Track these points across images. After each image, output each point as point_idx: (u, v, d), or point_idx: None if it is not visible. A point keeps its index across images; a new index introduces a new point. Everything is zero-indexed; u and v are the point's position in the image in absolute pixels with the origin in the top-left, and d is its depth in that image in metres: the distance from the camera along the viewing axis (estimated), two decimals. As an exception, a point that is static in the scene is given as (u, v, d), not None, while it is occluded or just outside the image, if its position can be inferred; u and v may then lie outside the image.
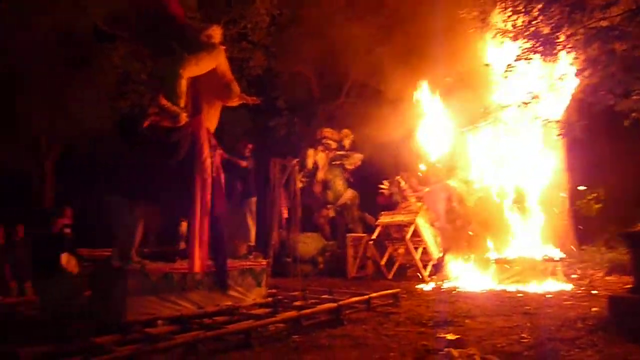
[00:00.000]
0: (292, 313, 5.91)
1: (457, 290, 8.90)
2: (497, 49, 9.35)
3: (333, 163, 14.53)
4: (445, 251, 11.06)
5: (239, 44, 14.73)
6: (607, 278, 9.30)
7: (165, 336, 4.86)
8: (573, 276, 9.54)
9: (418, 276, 10.65)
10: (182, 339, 4.71)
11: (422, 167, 12.46)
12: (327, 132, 14.59)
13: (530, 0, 7.08)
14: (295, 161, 8.02)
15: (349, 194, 14.46)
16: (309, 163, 14.09)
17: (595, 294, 7.69)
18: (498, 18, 8.35)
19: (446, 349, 4.47)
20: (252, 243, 7.28)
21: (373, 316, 6.43)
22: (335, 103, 17.08)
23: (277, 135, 17.27)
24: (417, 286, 9.58)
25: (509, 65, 7.45)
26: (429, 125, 12.41)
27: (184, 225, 9.00)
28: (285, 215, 7.82)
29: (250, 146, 7.77)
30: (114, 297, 5.58)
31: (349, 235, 12.65)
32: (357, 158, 14.52)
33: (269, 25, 15.31)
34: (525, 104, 8.01)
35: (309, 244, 12.74)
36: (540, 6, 6.85)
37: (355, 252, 12.08)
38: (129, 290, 5.48)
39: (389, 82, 13.90)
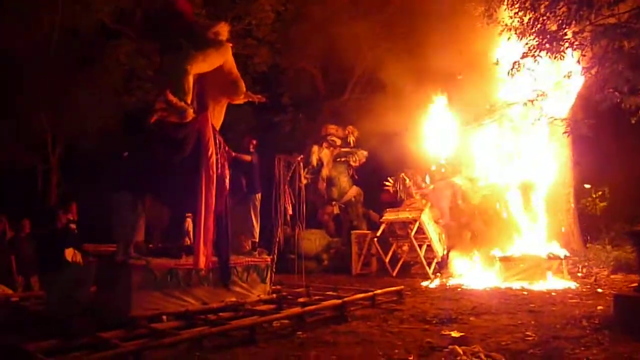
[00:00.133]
0: (296, 309, 5.92)
1: (461, 287, 8.89)
2: (504, 46, 9.31)
3: (338, 160, 14.52)
4: (449, 248, 11.05)
5: (244, 40, 14.75)
6: (613, 276, 9.26)
7: (170, 332, 4.89)
8: (578, 274, 9.52)
9: (422, 273, 10.64)
10: (188, 334, 4.73)
11: (433, 167, 12.41)
12: (332, 128, 14.58)
13: (537, -3, 7.04)
14: (300, 158, 8.00)
15: (353, 191, 14.45)
16: (314, 160, 14.09)
17: (600, 292, 7.67)
18: (505, 14, 8.31)
19: (450, 346, 4.48)
20: (257, 239, 7.28)
21: (377, 313, 6.43)
22: (340, 99, 17.06)
23: (281, 131, 17.27)
24: (421, 283, 9.59)
25: (515, 62, 7.41)
26: (435, 122, 12.38)
27: (189, 222, 9.02)
28: (290, 212, 7.81)
29: (254, 142, 7.78)
30: (119, 292, 5.61)
31: (353, 232, 12.66)
32: (361, 155, 14.50)
33: (274, 22, 15.33)
34: (532, 101, 7.99)
35: (313, 240, 12.76)
36: (547, 3, 6.80)
37: (360, 249, 12.09)
38: (134, 286, 5.51)
39: (394, 79, 13.87)
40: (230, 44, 6.37)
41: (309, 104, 17.73)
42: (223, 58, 6.14)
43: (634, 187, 11.80)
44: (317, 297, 6.94)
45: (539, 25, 7.05)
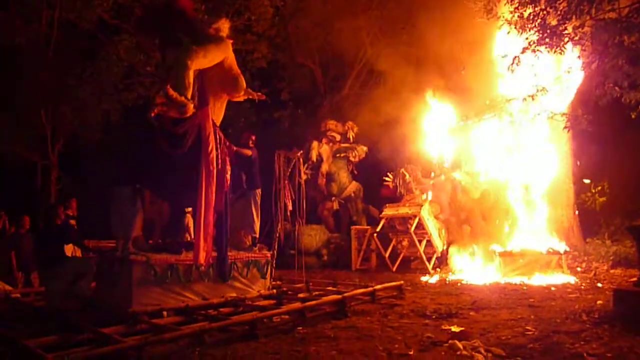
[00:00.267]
0: (296, 305, 5.93)
1: (461, 282, 8.91)
2: (504, 41, 9.28)
3: (337, 155, 14.50)
4: (449, 244, 11.06)
5: (243, 35, 14.70)
6: (612, 271, 9.28)
7: (171, 327, 4.90)
8: (578, 269, 9.54)
9: (422, 269, 10.65)
10: (188, 329, 4.74)
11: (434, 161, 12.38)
12: (332, 124, 14.56)
13: (538, -9, 7.02)
14: (299, 153, 8.00)
15: (353, 186, 14.45)
16: (313, 155, 14.08)
17: (600, 287, 7.69)
18: (505, 9, 8.29)
19: (450, 341, 4.49)
20: (257, 235, 7.30)
21: (377, 308, 6.44)
22: (340, 95, 17.03)
23: (281, 127, 17.25)
24: (421, 278, 9.60)
25: (515, 57, 7.39)
26: (435, 117, 12.36)
27: (188, 218, 9.01)
28: (290, 207, 7.81)
29: (253, 137, 7.79)
30: (120, 288, 5.62)
31: (353, 227, 12.67)
32: (361, 150, 14.49)
33: (273, 17, 15.26)
34: (532, 96, 7.98)
35: (313, 236, 12.77)
36: (547, -3, 6.80)
37: (360, 245, 12.10)
38: (135, 281, 5.52)
39: (394, 74, 13.84)
40: (231, 41, 6.36)
41: (309, 100, 17.71)
42: (223, 54, 6.13)
43: (634, 182, 11.80)
44: (317, 293, 6.95)
45: (539, 20, 7.03)
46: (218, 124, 6.33)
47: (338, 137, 14.56)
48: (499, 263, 9.22)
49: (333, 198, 14.30)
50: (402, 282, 7.75)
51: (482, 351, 4.19)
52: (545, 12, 6.96)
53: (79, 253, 7.97)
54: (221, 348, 4.55)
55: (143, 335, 4.63)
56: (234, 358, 4.30)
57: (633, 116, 6.84)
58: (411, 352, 4.32)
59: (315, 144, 14.29)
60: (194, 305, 5.82)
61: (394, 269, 10.95)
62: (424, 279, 9.59)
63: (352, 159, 14.49)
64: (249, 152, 7.36)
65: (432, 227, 11.10)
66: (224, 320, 5.18)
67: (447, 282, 9.10)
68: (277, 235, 7.45)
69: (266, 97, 7.51)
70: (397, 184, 12.60)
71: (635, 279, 5.71)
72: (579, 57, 7.05)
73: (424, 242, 10.99)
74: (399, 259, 11.22)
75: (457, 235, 11.16)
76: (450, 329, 5.05)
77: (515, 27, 7.68)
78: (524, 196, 10.50)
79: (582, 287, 7.82)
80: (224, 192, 6.11)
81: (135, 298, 5.46)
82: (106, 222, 6.14)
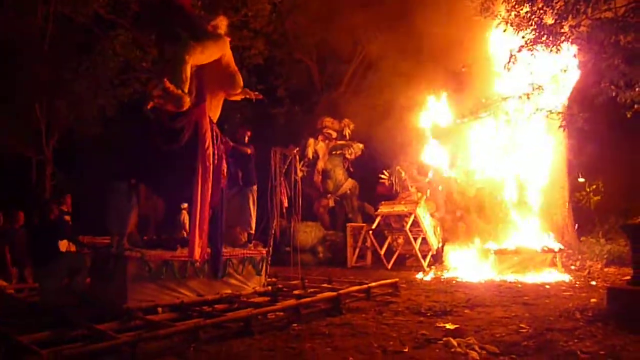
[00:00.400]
0: (291, 301, 5.93)
1: (456, 280, 8.93)
2: (500, 39, 9.29)
3: (333, 152, 14.51)
4: (444, 241, 11.09)
5: (240, 32, 14.64)
6: (606, 269, 9.33)
7: (165, 323, 4.89)
8: (572, 267, 9.58)
9: (417, 266, 10.68)
10: (183, 326, 4.73)
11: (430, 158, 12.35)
12: (328, 121, 14.56)
13: (535, -10, 7.03)
14: (295, 150, 7.98)
15: (349, 184, 14.46)
16: (310, 152, 14.08)
17: (594, 285, 7.73)
18: (502, 7, 8.30)
19: (445, 339, 4.50)
20: (253, 231, 7.29)
21: (372, 305, 6.45)
22: (337, 92, 17.02)
23: (277, 123, 17.23)
24: (416, 276, 9.62)
25: (512, 55, 7.40)
26: (431, 115, 12.37)
27: (184, 214, 9.00)
28: (286, 204, 7.80)
29: (249, 133, 7.77)
30: (114, 284, 5.60)
31: (348, 224, 12.69)
32: (357, 148, 14.50)
33: (270, 13, 15.22)
34: (527, 95, 7.99)
35: (309, 233, 12.78)
36: (544, -4, 6.80)
37: (355, 242, 12.12)
38: (129, 277, 5.50)
39: (391, 71, 13.84)
40: (229, 38, 6.36)
41: (305, 97, 17.69)
42: (221, 51, 6.12)
43: (628, 181, 11.86)
44: (312, 290, 6.95)
45: (535, 19, 7.04)
46: (215, 121, 6.31)
47: (334, 134, 14.56)
48: (494, 261, 9.25)
49: (329, 195, 14.31)
50: (397, 279, 7.77)
51: (477, 348, 4.21)
52: (542, 11, 6.96)
53: (73, 249, 7.95)
54: (216, 344, 4.55)
55: (137, 331, 4.63)
56: (228, 354, 4.30)
57: (629, 115, 6.86)
58: (406, 349, 4.33)
59: (311, 141, 14.29)
60: (188, 302, 5.81)
61: (389, 267, 10.97)
62: (419, 276, 9.61)
63: (348, 156, 14.50)
64: (248, 150, 7.35)
65: (428, 224, 11.12)
66: (218, 316, 5.17)
67: (442, 280, 9.12)
68: (273, 232, 7.43)
69: (263, 94, 7.50)
70: (393, 182, 12.62)
71: (628, 277, 5.73)
72: (575, 56, 7.06)
73: (419, 240, 11.02)
74: (395, 256, 11.24)
75: (452, 233, 11.19)
76: (444, 327, 5.06)
77: (512, 26, 7.69)
78: (519, 194, 10.53)
79: (576, 285, 7.85)
80: (220, 189, 6.10)
81: (129, 294, 5.44)
82: (101, 218, 6.12)
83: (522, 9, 7.41)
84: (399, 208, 11.31)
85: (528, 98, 8.05)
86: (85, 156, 14.54)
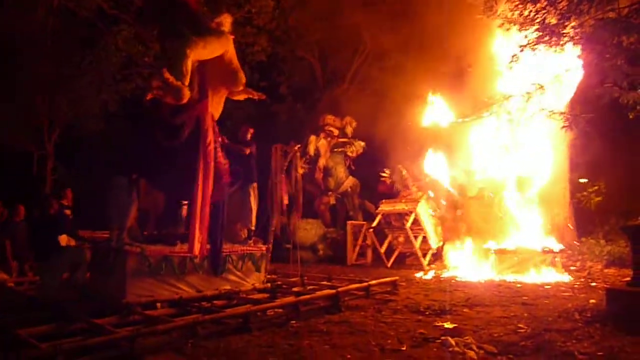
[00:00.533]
0: (290, 298, 5.94)
1: (455, 279, 8.93)
2: (504, 38, 9.27)
3: (335, 150, 14.50)
4: (445, 240, 11.08)
5: (243, 28, 14.64)
6: (606, 270, 9.30)
7: (164, 318, 4.90)
8: (572, 268, 9.56)
9: (417, 265, 10.67)
10: (181, 321, 4.74)
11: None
12: (330, 119, 14.54)
13: (538, -10, 7.00)
14: (297, 147, 7.99)
15: (350, 182, 14.46)
16: (311, 149, 14.07)
17: (593, 286, 7.71)
18: (505, 7, 8.27)
19: (443, 337, 4.50)
20: (253, 227, 7.30)
21: (371, 303, 6.45)
22: (339, 89, 17.00)
23: (279, 120, 17.22)
24: (416, 275, 9.62)
25: (514, 55, 7.39)
26: (433, 114, 12.33)
27: (184, 209, 9.00)
28: (286, 201, 7.80)
29: (251, 131, 7.79)
30: (114, 278, 5.62)
31: (349, 222, 12.68)
32: (359, 145, 14.49)
33: (274, 10, 15.21)
34: (529, 94, 7.97)
35: (309, 230, 12.78)
36: (547, -4, 6.78)
37: (355, 240, 12.12)
38: (129, 272, 5.51)
39: (394, 69, 13.81)
40: (232, 36, 6.36)
41: (307, 94, 17.68)
42: (223, 48, 6.12)
43: (629, 182, 11.83)
44: (311, 287, 6.96)
45: (538, 19, 7.02)
46: (216, 119, 6.32)
47: (336, 132, 14.55)
48: (494, 260, 9.24)
49: (330, 193, 14.31)
50: (396, 277, 7.78)
51: (474, 348, 4.21)
52: (545, 11, 6.94)
53: (73, 243, 7.96)
54: (214, 341, 4.56)
55: (136, 326, 4.64)
56: (227, 351, 4.30)
57: (631, 116, 6.84)
58: (404, 348, 4.34)
59: (313, 138, 14.28)
60: (187, 297, 5.83)
61: (389, 265, 10.97)
62: (418, 275, 9.61)
63: (349, 154, 14.50)
64: (247, 150, 7.37)
65: (428, 223, 11.12)
66: (217, 312, 5.18)
67: (442, 279, 9.12)
68: (273, 228, 7.45)
69: (265, 91, 7.51)
70: (394, 180, 12.61)
71: (628, 278, 5.72)
72: (578, 56, 7.04)
73: (419, 239, 11.02)
74: (395, 254, 11.24)
75: (452, 232, 11.18)
76: (443, 326, 5.07)
77: (515, 25, 7.66)
78: (519, 194, 10.51)
79: (576, 286, 7.84)
80: (221, 185, 6.11)
81: (129, 289, 5.46)
82: (101, 212, 6.13)
83: (525, 9, 7.38)
84: (399, 206, 11.31)
85: (529, 98, 8.02)
86: (86, 151, 14.56)
